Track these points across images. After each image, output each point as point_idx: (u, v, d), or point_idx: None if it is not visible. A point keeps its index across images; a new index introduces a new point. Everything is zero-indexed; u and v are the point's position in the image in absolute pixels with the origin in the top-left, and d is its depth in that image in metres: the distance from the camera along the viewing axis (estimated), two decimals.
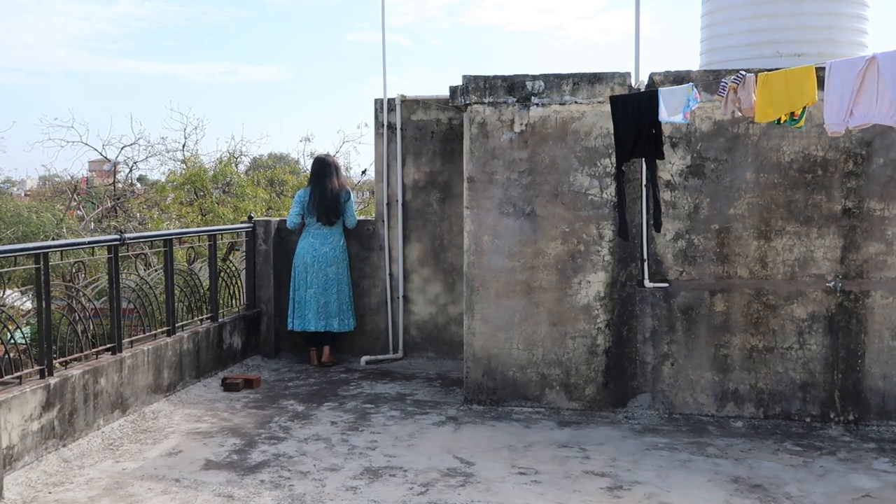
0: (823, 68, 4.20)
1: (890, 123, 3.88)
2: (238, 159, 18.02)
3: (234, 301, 7.66)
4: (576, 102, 5.82)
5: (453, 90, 5.99)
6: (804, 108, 4.33)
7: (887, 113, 3.84)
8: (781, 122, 4.46)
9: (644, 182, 5.68)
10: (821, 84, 4.22)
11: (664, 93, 4.91)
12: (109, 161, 17.90)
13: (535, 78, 5.85)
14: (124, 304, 5.97)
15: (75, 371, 5.09)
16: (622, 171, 5.29)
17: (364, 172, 18.48)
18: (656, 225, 5.37)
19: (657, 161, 5.41)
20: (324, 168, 7.52)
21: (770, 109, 4.39)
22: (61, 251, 6.04)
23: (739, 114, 4.68)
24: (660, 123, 5.03)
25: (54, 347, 5.02)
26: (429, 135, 7.69)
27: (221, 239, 8.36)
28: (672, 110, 4.85)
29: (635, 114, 5.06)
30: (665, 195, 5.75)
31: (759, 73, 4.48)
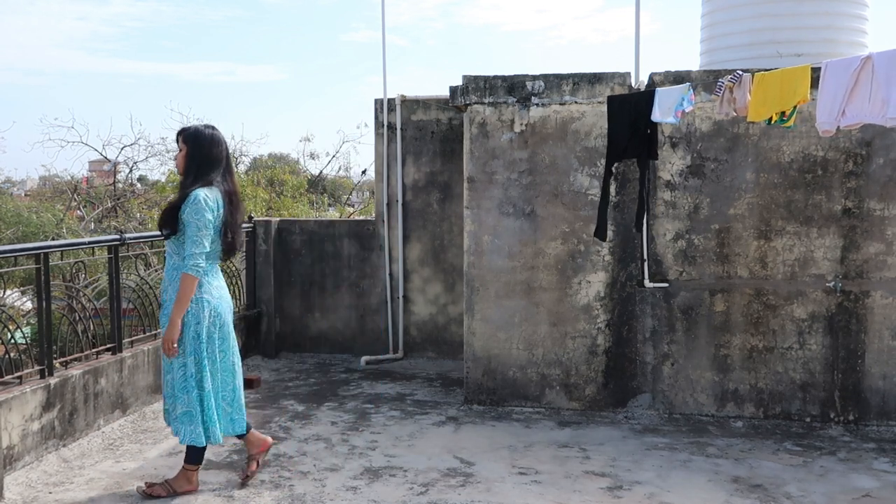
0: (819, 68, 4.20)
1: (881, 122, 3.88)
2: (238, 159, 18.05)
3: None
4: (576, 102, 5.82)
5: (453, 90, 5.99)
6: (794, 107, 4.33)
7: (879, 112, 3.84)
8: (772, 121, 4.46)
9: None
10: (815, 83, 4.22)
11: (661, 93, 4.91)
12: (109, 161, 17.92)
13: (535, 78, 5.85)
14: (124, 304, 5.98)
15: (75, 371, 5.09)
16: (611, 171, 5.29)
17: (364, 172, 18.51)
18: (637, 224, 5.34)
19: (651, 161, 5.42)
20: (223, 152, 4.26)
21: (763, 109, 4.40)
22: (61, 251, 6.03)
23: (734, 113, 4.69)
24: (655, 124, 5.04)
25: (54, 347, 5.02)
26: (429, 135, 7.69)
27: None
28: (665, 111, 4.86)
29: (631, 114, 5.06)
30: (665, 195, 5.76)
31: (756, 73, 4.48)
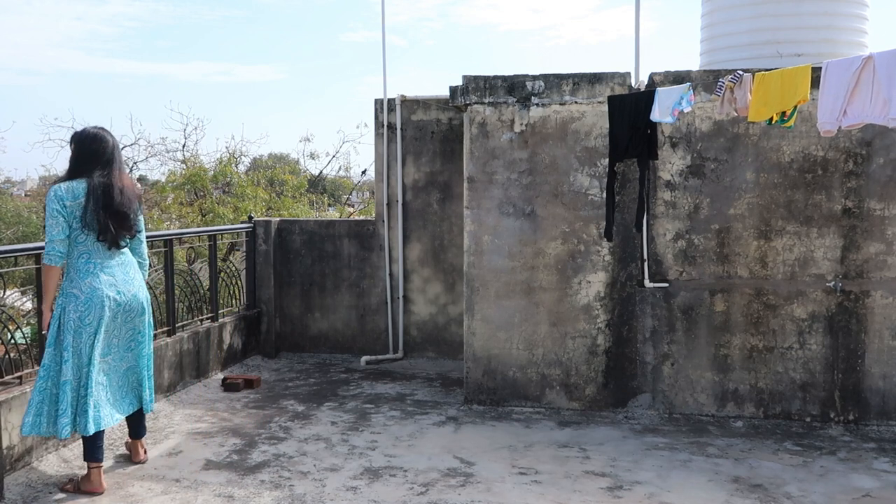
0: (819, 68, 4.20)
1: (883, 123, 3.88)
2: (238, 159, 18.06)
3: (234, 301, 7.67)
4: (576, 102, 5.82)
5: (453, 90, 6.00)
6: (795, 107, 4.33)
7: (881, 112, 3.84)
8: (773, 122, 4.47)
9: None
10: (816, 83, 4.23)
11: (661, 93, 4.91)
12: None
13: (535, 78, 5.85)
14: None
15: None
16: (615, 172, 5.30)
17: (364, 173, 18.51)
18: (637, 224, 5.35)
19: (651, 161, 5.42)
20: (105, 148, 4.32)
21: (763, 108, 4.40)
22: None
23: (735, 113, 4.69)
24: (655, 123, 5.05)
25: None
26: (429, 135, 7.69)
27: (221, 239, 8.36)
28: (664, 110, 4.87)
29: (631, 113, 5.07)
30: (665, 195, 5.76)
31: (756, 73, 4.49)
